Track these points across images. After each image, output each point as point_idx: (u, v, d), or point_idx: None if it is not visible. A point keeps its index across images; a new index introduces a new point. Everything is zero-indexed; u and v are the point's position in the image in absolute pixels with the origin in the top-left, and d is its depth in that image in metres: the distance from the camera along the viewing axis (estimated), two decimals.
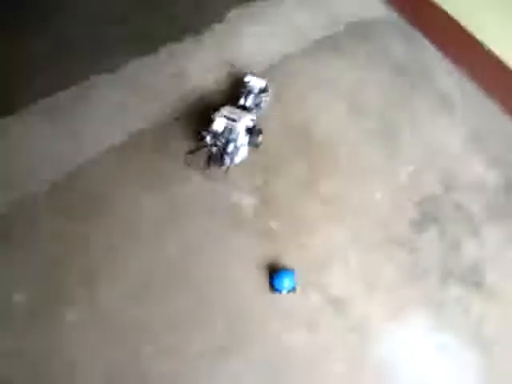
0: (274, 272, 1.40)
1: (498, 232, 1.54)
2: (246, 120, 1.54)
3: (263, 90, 1.64)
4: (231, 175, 1.54)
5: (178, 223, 1.48)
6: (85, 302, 1.34)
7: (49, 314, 1.31)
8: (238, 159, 1.54)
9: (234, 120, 1.51)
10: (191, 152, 1.54)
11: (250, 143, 1.57)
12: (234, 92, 1.69)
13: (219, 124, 1.50)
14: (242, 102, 1.61)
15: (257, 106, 1.63)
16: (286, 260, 1.44)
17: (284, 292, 1.38)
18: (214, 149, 1.50)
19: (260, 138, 1.58)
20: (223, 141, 1.49)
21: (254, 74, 1.67)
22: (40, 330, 1.29)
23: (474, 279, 1.47)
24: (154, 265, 1.41)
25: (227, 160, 1.51)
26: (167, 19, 1.88)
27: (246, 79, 1.65)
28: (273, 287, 1.39)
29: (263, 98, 1.64)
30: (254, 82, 1.64)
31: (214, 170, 1.54)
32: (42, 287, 1.34)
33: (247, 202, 1.53)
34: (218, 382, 1.27)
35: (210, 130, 1.49)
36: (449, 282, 1.45)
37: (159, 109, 1.67)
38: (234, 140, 1.49)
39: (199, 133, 1.52)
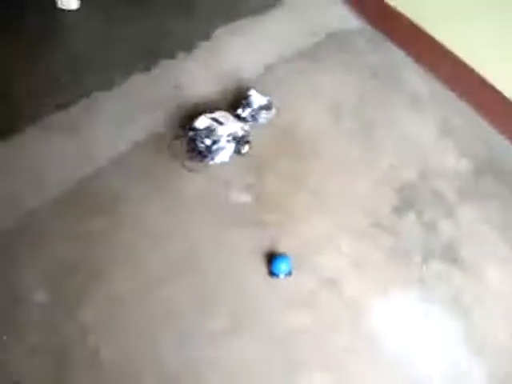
0: (272, 258, 1.54)
1: (470, 212, 1.71)
2: (235, 127, 1.69)
3: (264, 107, 1.78)
4: (227, 175, 1.70)
5: (180, 221, 1.61)
6: (98, 298, 1.45)
7: (65, 310, 1.42)
8: (218, 159, 1.68)
9: (220, 123, 1.66)
10: (173, 139, 1.72)
11: (235, 150, 1.71)
12: (227, 102, 1.85)
13: (201, 122, 1.66)
14: (239, 111, 1.77)
15: (253, 118, 1.78)
16: (282, 248, 1.58)
17: (281, 276, 1.52)
18: (201, 145, 1.64)
19: (246, 148, 1.72)
20: (203, 137, 1.63)
21: (258, 90, 1.80)
22: (58, 325, 1.40)
23: (451, 255, 1.62)
24: (160, 259, 1.53)
25: (208, 157, 1.66)
26: (161, 39, 2.06)
27: (249, 92, 1.79)
28: (271, 272, 1.53)
29: (263, 115, 1.78)
30: (256, 98, 1.77)
31: (196, 164, 1.69)
32: (56, 288, 1.45)
33: (243, 198, 1.67)
34: (227, 358, 1.39)
35: (191, 124, 1.67)
36: (429, 259, 1.61)
37: (158, 118, 1.82)
38: (216, 142, 1.64)
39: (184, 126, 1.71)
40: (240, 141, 1.70)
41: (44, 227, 1.56)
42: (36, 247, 1.52)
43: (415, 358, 1.44)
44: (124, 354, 1.37)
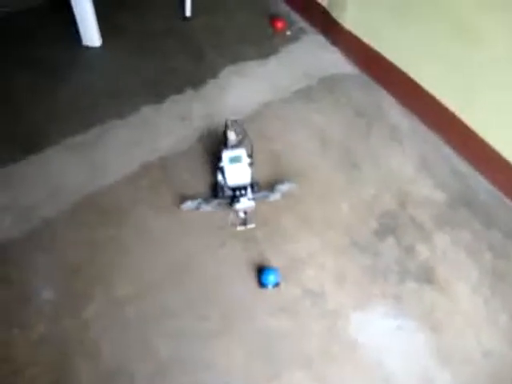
0: (261, 270, 1.69)
1: (445, 238, 1.86)
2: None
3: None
4: None
5: (179, 234, 1.78)
6: (101, 298, 1.61)
7: (71, 308, 1.58)
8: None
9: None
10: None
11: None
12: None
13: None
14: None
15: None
16: (271, 262, 1.73)
17: (270, 287, 1.67)
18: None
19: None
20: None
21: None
22: (63, 320, 1.56)
23: (425, 276, 1.76)
24: (158, 267, 1.70)
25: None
26: (172, 76, 2.30)
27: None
28: (260, 283, 1.68)
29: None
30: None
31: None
32: (63, 287, 1.62)
33: (237, 216, 1.85)
34: (215, 356, 1.53)
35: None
36: (405, 279, 1.75)
37: (166, 145, 2.03)
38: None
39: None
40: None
41: (56, 234, 1.74)
42: (47, 251, 1.70)
43: (387, 364, 1.56)
44: (121, 347, 1.51)
